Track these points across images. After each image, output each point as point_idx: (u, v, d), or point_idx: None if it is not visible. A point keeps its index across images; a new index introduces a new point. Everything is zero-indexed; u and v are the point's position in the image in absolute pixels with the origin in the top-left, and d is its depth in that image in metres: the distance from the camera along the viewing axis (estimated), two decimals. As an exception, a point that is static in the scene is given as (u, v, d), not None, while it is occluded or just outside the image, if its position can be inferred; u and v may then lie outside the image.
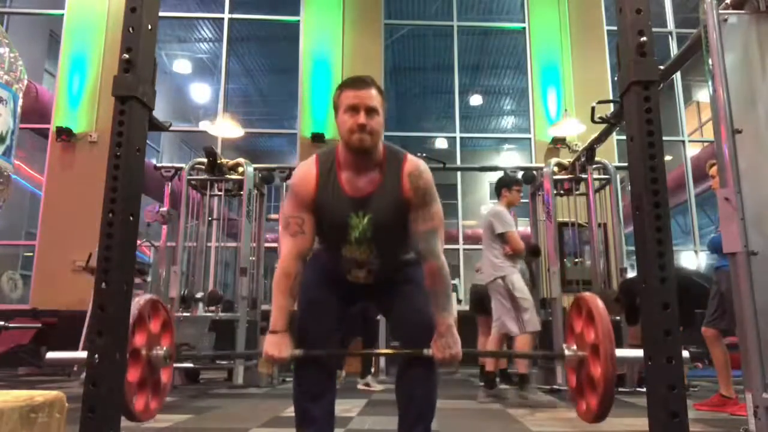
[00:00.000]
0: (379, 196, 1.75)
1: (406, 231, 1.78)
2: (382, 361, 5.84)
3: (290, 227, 1.77)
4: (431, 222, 1.75)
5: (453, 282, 6.73)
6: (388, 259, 1.85)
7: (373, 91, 1.71)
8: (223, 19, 8.68)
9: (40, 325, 6.25)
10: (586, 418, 2.13)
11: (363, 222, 1.75)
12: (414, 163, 1.78)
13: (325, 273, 1.89)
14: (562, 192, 5.50)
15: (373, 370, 4.98)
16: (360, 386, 4.81)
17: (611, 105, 3.39)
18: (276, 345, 1.72)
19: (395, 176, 1.75)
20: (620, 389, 4.58)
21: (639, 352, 1.77)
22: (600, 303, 2.11)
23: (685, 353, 1.63)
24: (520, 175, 5.66)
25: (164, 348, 2.13)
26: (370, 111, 1.68)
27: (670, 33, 8.73)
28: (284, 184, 5.73)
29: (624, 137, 2.16)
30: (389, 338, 5.34)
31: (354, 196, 1.75)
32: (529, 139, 8.29)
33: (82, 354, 1.72)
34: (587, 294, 2.21)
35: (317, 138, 7.78)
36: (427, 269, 1.76)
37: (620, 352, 1.97)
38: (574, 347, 2.16)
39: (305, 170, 1.79)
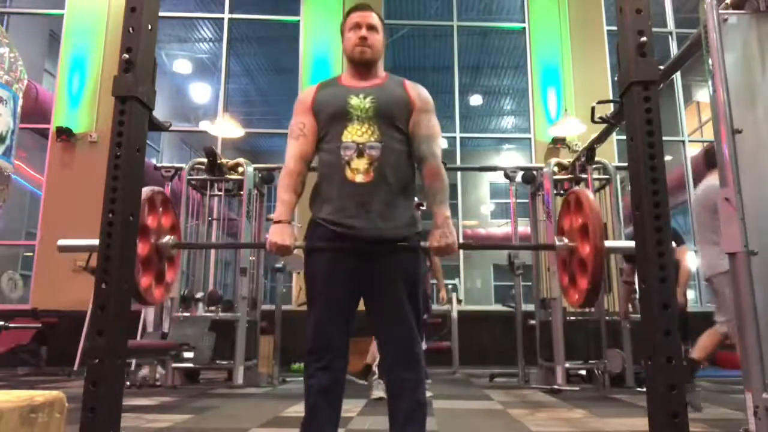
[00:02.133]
0: (381, 87, 1.89)
1: (406, 127, 1.87)
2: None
3: (293, 131, 1.90)
4: (432, 128, 1.91)
5: (453, 282, 6.67)
6: (390, 151, 1.81)
7: (374, 15, 1.93)
8: (223, 19, 8.68)
9: (40, 325, 6.25)
10: (578, 302, 2.17)
11: (364, 102, 1.83)
12: (413, 82, 1.95)
13: (330, 266, 1.82)
14: (562, 192, 5.50)
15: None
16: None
17: (611, 105, 3.39)
18: (279, 233, 1.81)
19: (397, 85, 1.93)
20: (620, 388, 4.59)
21: (629, 243, 1.84)
22: (588, 192, 2.20)
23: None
24: (519, 175, 5.68)
25: (171, 237, 2.22)
26: (371, 28, 1.89)
27: (670, 33, 8.73)
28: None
29: (624, 137, 2.17)
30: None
31: (355, 86, 1.89)
32: (529, 139, 8.29)
33: (93, 241, 1.77)
34: (577, 188, 2.28)
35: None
36: (427, 170, 1.88)
37: (609, 243, 2.04)
38: (565, 239, 2.21)
39: (309, 87, 1.97)
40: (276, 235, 1.80)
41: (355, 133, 1.80)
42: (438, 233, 1.82)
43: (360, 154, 1.78)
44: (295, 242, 1.83)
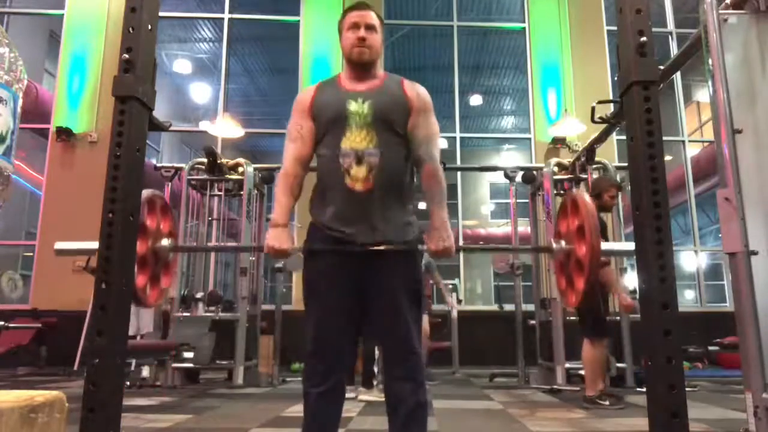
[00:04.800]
0: (379, 91, 1.86)
1: (405, 131, 1.84)
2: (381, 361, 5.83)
3: (291, 133, 1.89)
4: (431, 129, 1.88)
5: (453, 282, 6.69)
6: (388, 157, 1.80)
7: (373, 14, 1.89)
8: (223, 19, 8.69)
9: (40, 325, 6.25)
10: (575, 302, 2.16)
11: (363, 107, 1.81)
12: (411, 81, 1.93)
13: (329, 271, 1.82)
14: (562, 192, 5.50)
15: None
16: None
17: (611, 105, 3.38)
18: (277, 238, 1.80)
19: (395, 85, 1.89)
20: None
21: (628, 245, 1.84)
22: (585, 194, 2.19)
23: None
24: (519, 175, 5.68)
25: (169, 240, 2.20)
26: (370, 27, 1.85)
27: (670, 33, 8.73)
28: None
29: (624, 137, 2.16)
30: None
31: (354, 89, 1.85)
32: (529, 139, 8.30)
33: (91, 244, 1.76)
34: (574, 190, 2.27)
35: (317, 138, 7.78)
36: (425, 172, 1.86)
37: (606, 245, 2.02)
38: (562, 242, 2.19)
39: (307, 87, 1.95)
40: (274, 239, 1.80)
41: (353, 140, 1.78)
42: (436, 236, 1.82)
43: (359, 161, 1.77)
44: (293, 246, 1.82)
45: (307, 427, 1.78)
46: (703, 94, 11.61)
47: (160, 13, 1.90)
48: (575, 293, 2.11)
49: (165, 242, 2.17)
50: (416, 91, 1.87)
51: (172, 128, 2.16)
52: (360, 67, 1.86)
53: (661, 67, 2.58)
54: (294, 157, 1.86)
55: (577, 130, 7.26)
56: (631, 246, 1.77)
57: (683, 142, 8.59)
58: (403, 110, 1.83)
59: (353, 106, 1.80)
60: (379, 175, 1.77)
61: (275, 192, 1.88)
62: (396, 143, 1.83)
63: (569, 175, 5.38)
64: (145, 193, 2.02)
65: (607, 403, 3.63)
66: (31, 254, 7.74)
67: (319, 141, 1.86)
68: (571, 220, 2.14)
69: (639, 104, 1.67)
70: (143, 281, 2.07)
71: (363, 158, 1.77)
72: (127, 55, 1.74)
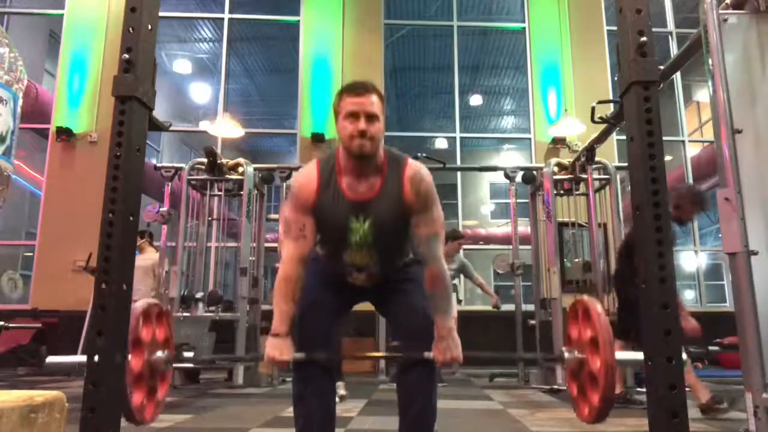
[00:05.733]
0: (379, 200, 1.75)
1: (406, 235, 1.80)
2: (382, 360, 5.84)
3: (291, 231, 1.77)
4: (433, 226, 1.76)
5: (453, 282, 6.72)
6: (388, 264, 1.86)
7: (374, 98, 1.70)
8: (223, 19, 8.69)
9: (40, 325, 6.24)
10: (589, 418, 2.11)
11: (364, 227, 1.75)
12: (415, 167, 1.78)
13: (325, 274, 1.89)
14: (562, 192, 5.50)
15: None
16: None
17: (611, 105, 3.39)
18: (278, 348, 1.72)
19: (396, 181, 1.75)
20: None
21: (638, 355, 1.76)
22: (597, 303, 2.10)
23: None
24: (519, 175, 5.68)
25: (165, 351, 2.11)
26: (370, 117, 1.68)
27: (670, 33, 8.73)
28: (284, 184, 5.73)
29: (624, 137, 2.16)
30: (388, 338, 5.26)
31: (355, 200, 1.75)
32: (529, 139, 8.30)
33: (82, 357, 1.71)
34: (584, 297, 2.20)
35: (317, 138, 7.79)
36: (428, 273, 1.77)
37: (619, 355, 1.96)
38: (575, 351, 2.13)
39: (306, 174, 1.79)
40: (274, 349, 1.72)
41: (354, 258, 1.81)
42: (442, 346, 1.75)
43: (359, 271, 1.85)
44: (294, 355, 1.75)
45: (304, 429, 1.78)
46: (703, 94, 11.61)
47: (160, 13, 1.90)
48: (589, 407, 2.04)
49: (160, 354, 2.05)
50: (417, 188, 1.74)
51: (172, 128, 2.15)
52: (360, 159, 1.71)
53: (661, 67, 2.58)
54: (296, 259, 1.76)
55: (577, 130, 7.27)
56: (641, 356, 1.70)
57: (683, 142, 8.60)
58: (404, 218, 1.77)
59: (354, 225, 1.76)
60: (379, 275, 1.87)
61: (275, 297, 1.76)
62: (396, 248, 1.88)
63: (569, 175, 5.38)
64: (141, 305, 1.94)
65: (723, 405, 3.24)
66: (31, 254, 7.75)
67: (319, 239, 1.85)
68: (583, 327, 2.10)
69: (639, 104, 1.67)
70: (140, 398, 1.95)
71: (363, 270, 1.85)
72: (127, 55, 1.73)
